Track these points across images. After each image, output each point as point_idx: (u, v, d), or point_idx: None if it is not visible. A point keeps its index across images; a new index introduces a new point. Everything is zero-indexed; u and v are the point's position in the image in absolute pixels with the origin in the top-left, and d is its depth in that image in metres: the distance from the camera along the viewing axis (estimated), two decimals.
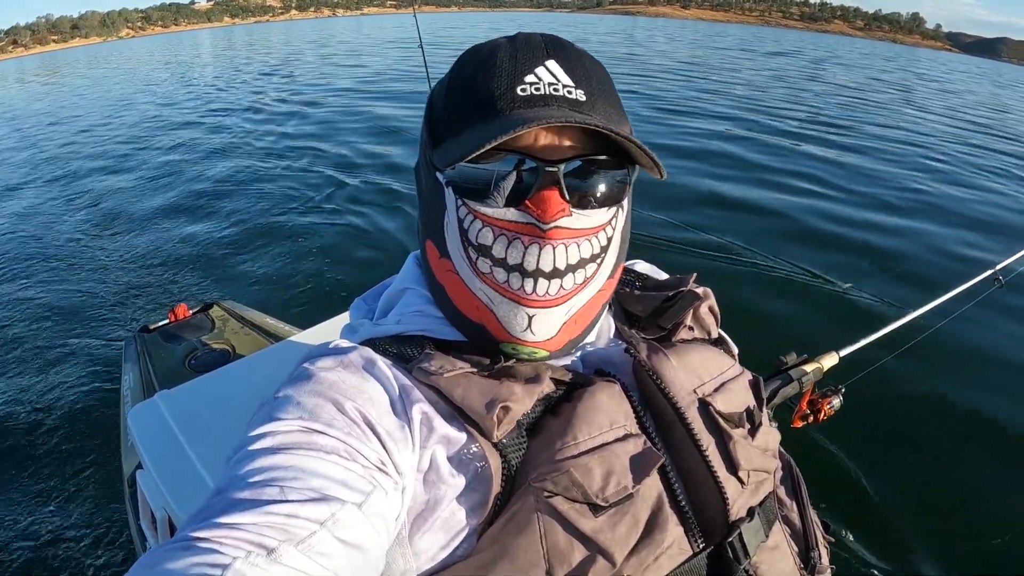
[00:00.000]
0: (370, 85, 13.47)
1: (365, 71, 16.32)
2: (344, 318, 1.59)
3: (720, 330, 0.71)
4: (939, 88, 20.13)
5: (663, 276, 0.75)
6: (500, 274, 0.52)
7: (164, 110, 12.03)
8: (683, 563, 0.51)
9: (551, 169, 0.50)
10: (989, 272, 1.84)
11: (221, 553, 0.37)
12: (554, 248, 0.51)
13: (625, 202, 0.56)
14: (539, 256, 0.51)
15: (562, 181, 0.50)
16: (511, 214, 0.51)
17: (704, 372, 0.60)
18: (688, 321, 0.65)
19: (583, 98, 0.51)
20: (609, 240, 0.55)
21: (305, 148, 7.99)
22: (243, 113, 10.91)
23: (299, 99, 12.01)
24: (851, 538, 2.11)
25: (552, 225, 0.50)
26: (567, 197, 0.50)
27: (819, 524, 0.68)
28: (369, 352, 0.55)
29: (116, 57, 34.06)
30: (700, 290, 0.67)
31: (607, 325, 0.65)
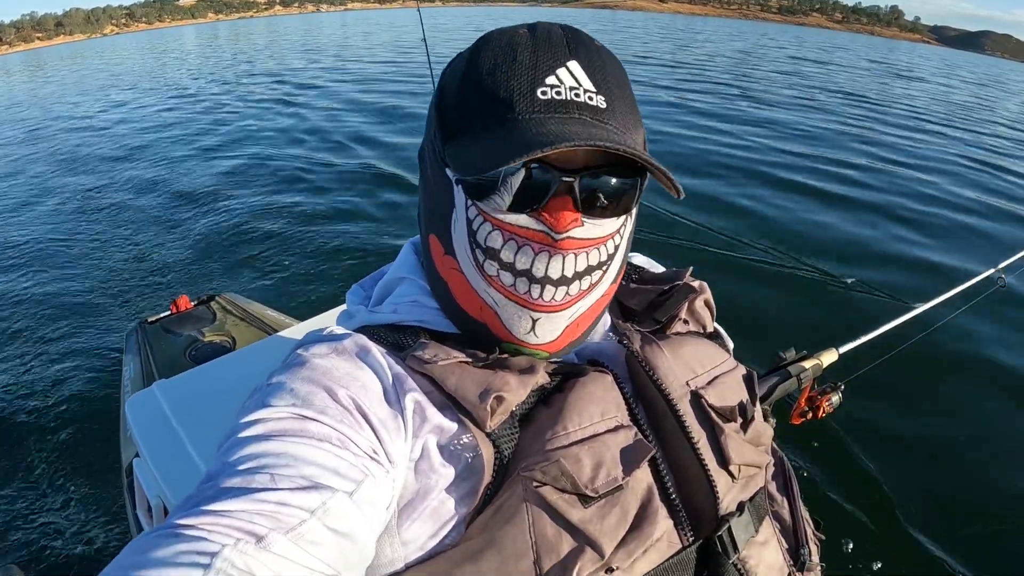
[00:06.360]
0: (371, 77, 13.45)
1: (366, 64, 16.28)
2: (342, 310, 1.59)
3: (716, 324, 0.71)
4: (934, 80, 20.14)
5: (659, 269, 0.75)
6: (507, 277, 0.51)
7: (166, 104, 12.01)
8: (672, 556, 0.51)
9: (567, 179, 0.49)
10: (991, 271, 1.83)
11: (210, 541, 0.37)
12: (564, 257, 0.50)
13: (634, 209, 0.56)
14: (548, 264, 0.50)
15: (577, 191, 0.49)
16: (523, 220, 0.50)
17: (697, 365, 0.60)
18: (683, 314, 0.65)
19: (604, 105, 0.50)
20: (617, 248, 0.55)
21: (307, 141, 7.98)
22: (246, 107, 10.90)
23: (301, 93, 11.99)
24: (842, 536, 2.10)
25: (565, 235, 0.49)
26: (580, 207, 0.50)
27: (810, 521, 0.68)
28: (363, 339, 0.55)
29: (107, 53, 33.93)
30: (696, 283, 0.67)
31: (603, 319, 0.65)
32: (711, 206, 5.32)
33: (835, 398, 1.25)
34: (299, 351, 0.53)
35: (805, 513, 0.67)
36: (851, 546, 2.08)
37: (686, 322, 0.66)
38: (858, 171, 6.89)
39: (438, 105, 0.55)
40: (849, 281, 3.85)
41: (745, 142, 7.84)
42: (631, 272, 0.72)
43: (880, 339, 1.45)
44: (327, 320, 1.57)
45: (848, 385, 1.29)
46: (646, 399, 0.57)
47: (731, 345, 0.71)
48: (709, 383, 0.59)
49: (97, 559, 2.14)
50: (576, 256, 0.51)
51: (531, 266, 0.50)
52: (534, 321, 0.52)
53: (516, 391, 0.50)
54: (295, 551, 0.38)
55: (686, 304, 0.65)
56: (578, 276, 0.52)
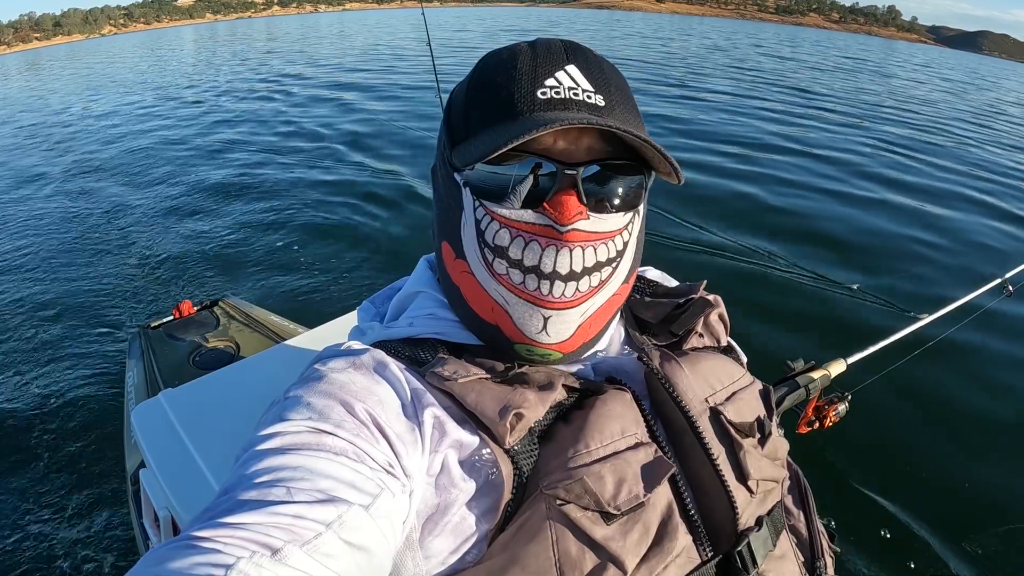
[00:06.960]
0: (379, 83, 13.48)
1: (371, 67, 16.31)
2: (350, 318, 1.59)
3: (729, 338, 0.71)
4: (937, 82, 20.23)
5: (673, 283, 0.75)
6: (516, 275, 0.52)
7: (168, 106, 12.03)
8: (692, 571, 0.51)
9: (570, 172, 0.50)
10: (998, 281, 1.83)
11: (225, 553, 0.37)
12: (571, 251, 0.51)
13: (641, 207, 0.56)
14: (556, 258, 0.51)
15: (580, 184, 0.50)
16: (529, 216, 0.51)
17: (716, 381, 0.60)
18: (699, 328, 0.65)
19: (602, 103, 0.52)
20: (625, 244, 0.55)
21: (313, 146, 8.00)
22: (249, 110, 10.92)
23: (306, 95, 12.01)
24: (856, 547, 2.09)
25: (570, 228, 0.50)
26: (584, 200, 0.51)
27: (825, 533, 0.68)
28: (381, 354, 0.55)
29: (105, 53, 33.94)
30: (711, 297, 0.68)
31: (618, 332, 0.65)
32: (711, 209, 5.32)
33: (842, 408, 1.26)
34: (316, 365, 0.54)
35: (820, 525, 0.67)
36: (864, 557, 2.07)
37: (701, 336, 0.66)
38: (867, 174, 6.90)
39: (446, 117, 0.58)
40: (855, 287, 3.85)
41: (754, 149, 7.85)
42: (645, 286, 0.72)
43: (888, 349, 1.45)
44: (334, 328, 1.56)
45: (855, 395, 1.29)
46: (665, 416, 0.57)
47: (744, 359, 0.71)
48: (728, 399, 0.59)
49: (100, 568, 2.13)
50: (584, 250, 0.51)
51: (539, 261, 0.51)
52: (545, 319, 0.53)
53: (535, 408, 0.50)
54: (310, 564, 0.39)
55: (702, 318, 0.65)
56: (587, 272, 0.52)
